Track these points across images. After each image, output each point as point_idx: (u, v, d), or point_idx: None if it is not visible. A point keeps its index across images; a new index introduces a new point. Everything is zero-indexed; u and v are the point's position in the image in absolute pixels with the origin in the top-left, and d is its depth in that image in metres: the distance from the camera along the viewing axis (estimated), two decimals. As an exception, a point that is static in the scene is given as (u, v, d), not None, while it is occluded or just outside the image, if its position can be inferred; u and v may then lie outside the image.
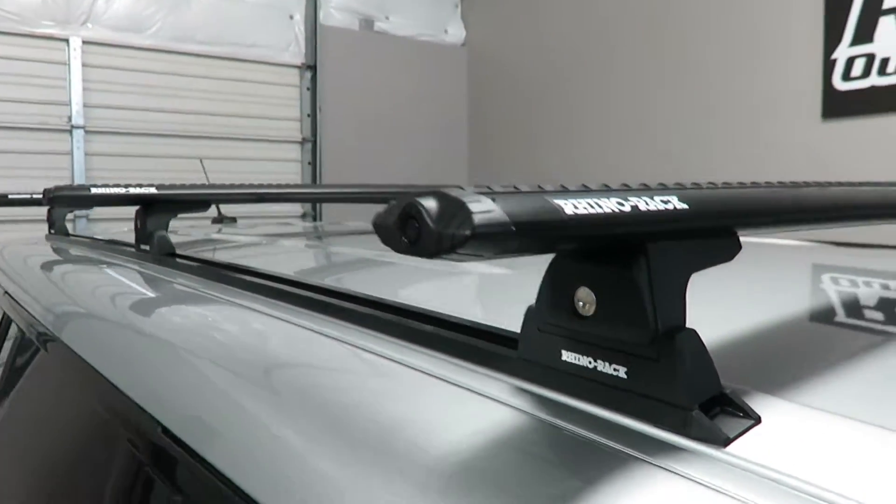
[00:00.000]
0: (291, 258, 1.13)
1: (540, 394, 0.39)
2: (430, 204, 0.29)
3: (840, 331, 0.60)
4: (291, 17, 4.82)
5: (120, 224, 1.87)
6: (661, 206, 0.33)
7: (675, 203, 0.34)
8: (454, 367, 0.44)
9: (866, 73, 3.27)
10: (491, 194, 0.29)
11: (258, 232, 1.54)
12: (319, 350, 0.54)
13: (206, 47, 4.46)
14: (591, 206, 0.31)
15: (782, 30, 3.58)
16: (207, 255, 1.02)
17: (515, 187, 0.32)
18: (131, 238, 1.15)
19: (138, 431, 0.59)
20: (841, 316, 0.65)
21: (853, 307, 0.68)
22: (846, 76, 3.34)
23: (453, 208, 0.28)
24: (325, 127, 4.91)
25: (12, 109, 3.87)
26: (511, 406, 0.39)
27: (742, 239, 0.38)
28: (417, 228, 0.29)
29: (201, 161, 2.45)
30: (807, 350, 0.47)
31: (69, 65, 4.03)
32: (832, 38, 3.37)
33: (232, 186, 1.17)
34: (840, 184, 0.52)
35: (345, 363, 0.51)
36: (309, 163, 4.91)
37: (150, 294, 0.90)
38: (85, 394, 0.72)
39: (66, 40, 4.01)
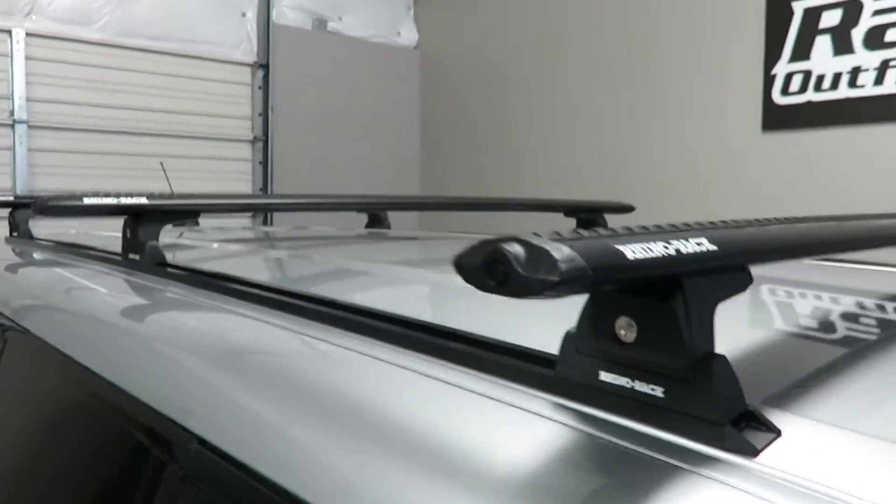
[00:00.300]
0: (294, 269, 1.15)
1: (580, 410, 0.43)
2: (516, 250, 0.33)
3: (842, 347, 0.66)
4: (244, 15, 4.77)
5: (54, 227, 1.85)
6: (696, 249, 0.39)
7: (706, 245, 0.39)
8: (493, 384, 0.48)
9: (803, 88, 3.45)
10: (565, 241, 0.34)
11: (237, 237, 1.55)
12: (362, 370, 0.57)
13: (155, 42, 4.38)
14: (645, 251, 0.36)
15: (726, 45, 3.74)
16: (200, 265, 1.03)
17: (578, 233, 0.36)
18: (88, 242, 1.16)
19: (167, 443, 0.61)
20: (843, 332, 0.72)
21: (857, 324, 0.75)
22: (785, 91, 3.51)
23: (539, 256, 0.32)
24: (276, 126, 4.87)
25: (-50, 102, 3.74)
26: (554, 420, 0.43)
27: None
28: (505, 272, 0.33)
29: (161, 164, 2.42)
30: (813, 366, 0.53)
31: (11, 57, 3.90)
32: (772, 55, 3.54)
33: (219, 196, 1.18)
34: (834, 217, 0.58)
35: (387, 382, 0.55)
36: (260, 162, 4.87)
37: (153, 304, 0.92)
38: (108, 409, 0.74)
39: (9, 32, 3.89)
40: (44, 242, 1.61)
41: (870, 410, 0.46)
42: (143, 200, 1.01)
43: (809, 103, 3.43)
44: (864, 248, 0.61)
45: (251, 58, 4.80)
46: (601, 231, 0.37)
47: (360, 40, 5.30)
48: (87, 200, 0.97)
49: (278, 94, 4.88)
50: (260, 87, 4.84)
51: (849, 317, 0.79)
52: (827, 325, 0.74)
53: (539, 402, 0.45)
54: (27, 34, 3.94)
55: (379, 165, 5.33)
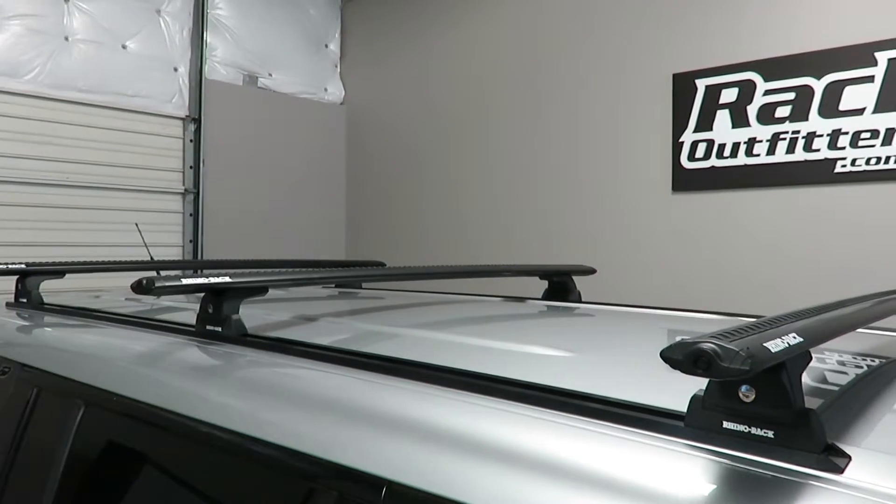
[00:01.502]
0: (356, 332, 1.30)
1: (711, 448, 0.64)
2: (714, 350, 0.54)
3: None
4: (176, 70, 4.83)
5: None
6: (794, 341, 0.61)
7: (797, 336, 0.62)
8: (638, 433, 0.69)
9: (707, 155, 3.89)
10: (739, 341, 0.55)
11: (300, 304, 1.64)
12: (521, 432, 0.75)
13: (87, 95, 4.38)
14: (775, 346, 0.57)
15: (639, 115, 4.17)
16: (273, 334, 1.17)
17: (738, 331, 0.57)
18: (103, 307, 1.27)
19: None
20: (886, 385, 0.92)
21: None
22: (691, 157, 3.95)
23: (731, 354, 0.53)
24: (207, 179, 4.92)
25: None
26: (694, 455, 0.64)
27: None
28: (708, 363, 0.54)
29: (137, 225, 2.47)
30: (868, 413, 0.76)
31: (-62, 108, 3.80)
32: (679, 125, 3.98)
33: (291, 272, 1.32)
34: (867, 297, 0.82)
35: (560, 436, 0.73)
36: (191, 214, 4.88)
37: (248, 370, 1.06)
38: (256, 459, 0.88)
39: (-64, 82, 3.80)
40: (54, 307, 1.68)
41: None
42: (227, 279, 1.15)
43: (713, 168, 3.88)
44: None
45: (183, 111, 4.85)
46: (750, 328, 0.59)
47: (290, 96, 5.45)
48: (184, 280, 1.10)
49: (209, 147, 4.94)
50: (191, 140, 4.89)
51: (884, 373, 0.99)
52: (871, 380, 0.95)
53: (674, 443, 0.66)
54: (-45, 85, 3.86)
55: (308, 217, 5.46)
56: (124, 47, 4.57)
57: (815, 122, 3.54)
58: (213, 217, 4.93)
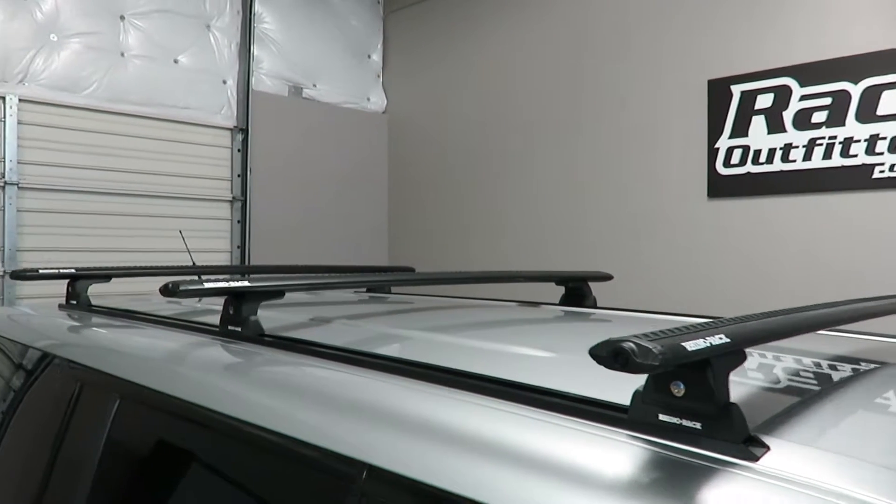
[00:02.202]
0: (359, 333, 1.40)
1: (648, 438, 0.71)
2: (631, 347, 0.61)
3: (811, 395, 0.95)
4: (224, 82, 5.03)
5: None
6: (719, 341, 0.67)
7: (724, 338, 0.68)
8: (590, 425, 0.76)
9: (743, 161, 3.88)
10: (657, 341, 0.62)
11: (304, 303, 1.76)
12: (492, 423, 0.83)
13: (140, 108, 4.60)
14: (695, 346, 0.64)
15: (674, 122, 4.18)
16: (288, 334, 1.27)
17: (658, 334, 0.64)
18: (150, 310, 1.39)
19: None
20: (811, 384, 1.01)
21: (823, 378, 1.05)
22: (727, 163, 3.94)
23: (645, 351, 0.61)
24: (254, 187, 5.11)
25: (-57, 165, 3.87)
26: (633, 444, 0.71)
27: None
28: (625, 359, 0.61)
29: (180, 232, 2.63)
30: (790, 408, 0.82)
31: (5, 122, 4.06)
32: (715, 131, 3.98)
33: (301, 277, 1.43)
34: (819, 305, 0.88)
35: (506, 426, 0.81)
36: (238, 221, 5.08)
37: (262, 367, 1.16)
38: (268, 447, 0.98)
39: (3, 97, 4.06)
40: (101, 309, 1.82)
41: (823, 434, 0.75)
42: (245, 283, 1.25)
43: (749, 174, 3.86)
44: (817, 329, 0.91)
45: (231, 122, 5.05)
46: (671, 331, 0.66)
47: (333, 106, 5.61)
48: (207, 284, 1.21)
49: (256, 156, 5.13)
50: (239, 150, 5.09)
51: (820, 375, 1.08)
52: (804, 380, 1.03)
53: (618, 433, 0.73)
54: (20, 100, 4.12)
55: (351, 223, 5.61)
56: (176, 62, 4.79)
57: (853, 128, 3.51)
58: (259, 223, 5.12)
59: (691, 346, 0.64)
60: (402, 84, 5.96)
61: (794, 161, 3.70)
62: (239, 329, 1.26)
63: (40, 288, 3.86)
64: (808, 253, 3.65)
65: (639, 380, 0.71)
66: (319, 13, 5.57)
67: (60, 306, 1.93)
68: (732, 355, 0.71)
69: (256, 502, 1.00)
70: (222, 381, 1.14)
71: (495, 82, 5.19)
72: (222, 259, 5.01)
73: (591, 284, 2.01)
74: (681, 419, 0.69)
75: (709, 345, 0.66)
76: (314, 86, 5.53)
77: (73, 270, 1.86)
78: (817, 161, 3.63)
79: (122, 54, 4.54)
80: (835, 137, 3.57)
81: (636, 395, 0.73)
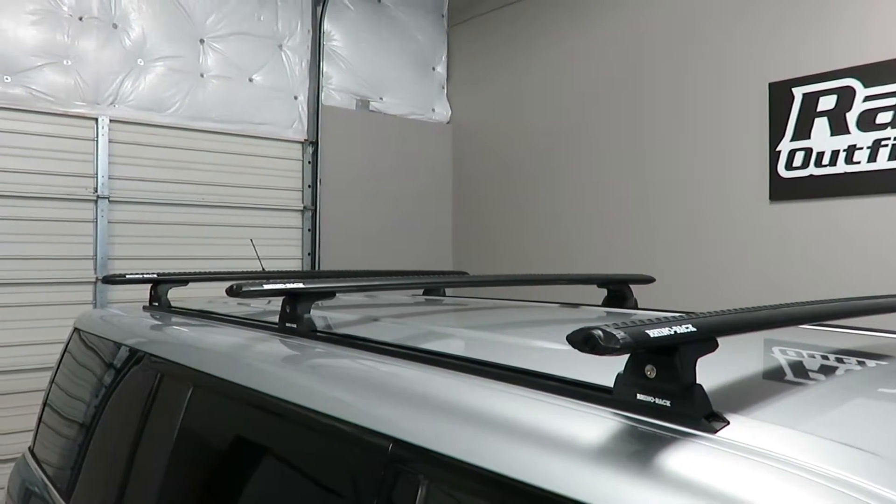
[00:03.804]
0: (399, 330, 1.54)
1: (627, 414, 0.81)
2: (599, 333, 0.72)
3: (773, 377, 1.04)
4: (296, 98, 5.30)
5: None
6: (685, 330, 0.77)
7: (691, 327, 0.78)
8: (581, 404, 0.87)
9: (805, 164, 3.84)
10: (623, 329, 0.73)
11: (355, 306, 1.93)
12: (498, 401, 0.95)
13: (218, 125, 4.90)
14: (660, 333, 0.75)
15: (736, 125, 4.17)
16: (338, 331, 1.42)
17: (626, 323, 0.75)
18: (224, 311, 1.55)
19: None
20: (776, 367, 1.09)
21: (788, 365, 1.13)
22: (789, 166, 3.91)
23: (610, 337, 0.71)
24: (324, 197, 5.35)
25: (44, 181, 4.24)
26: (614, 420, 0.81)
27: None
28: (594, 344, 0.72)
29: (251, 240, 2.84)
30: (752, 390, 0.91)
31: (97, 141, 4.42)
32: (776, 134, 3.95)
33: (352, 280, 1.58)
34: (791, 304, 0.96)
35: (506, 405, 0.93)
36: (309, 230, 5.33)
37: (314, 358, 1.31)
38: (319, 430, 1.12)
39: (96, 119, 4.42)
40: (181, 310, 2.02)
41: (781, 412, 0.84)
42: (300, 284, 1.41)
43: (812, 177, 3.82)
44: (791, 324, 0.99)
45: (302, 136, 5.31)
46: (638, 321, 0.76)
47: (399, 117, 5.81)
48: (265, 286, 1.37)
49: (326, 167, 5.37)
50: (309, 162, 5.34)
51: (793, 363, 1.16)
52: (770, 365, 1.11)
53: (603, 410, 0.84)
54: (111, 120, 4.47)
55: (417, 231, 5.79)
56: (251, 80, 5.08)
57: (919, 128, 3.43)
58: (329, 232, 5.35)
59: (655, 333, 0.74)
60: (466, 94, 6.11)
61: (859, 163, 3.64)
62: (294, 326, 1.42)
63: (128, 293, 4.18)
64: (874, 255, 3.59)
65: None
66: (385, 29, 5.79)
67: (144, 307, 2.15)
68: (701, 343, 0.80)
69: (306, 469, 1.15)
70: (277, 369, 1.30)
71: (557, 90, 5.27)
72: (293, 266, 5.26)
73: (648, 287, 2.09)
74: (654, 398, 0.80)
75: (674, 332, 0.76)
76: (381, 99, 5.74)
77: (155, 276, 2.07)
78: (882, 162, 3.56)
79: (202, 75, 4.85)
80: (900, 138, 3.49)
81: (618, 377, 0.84)
